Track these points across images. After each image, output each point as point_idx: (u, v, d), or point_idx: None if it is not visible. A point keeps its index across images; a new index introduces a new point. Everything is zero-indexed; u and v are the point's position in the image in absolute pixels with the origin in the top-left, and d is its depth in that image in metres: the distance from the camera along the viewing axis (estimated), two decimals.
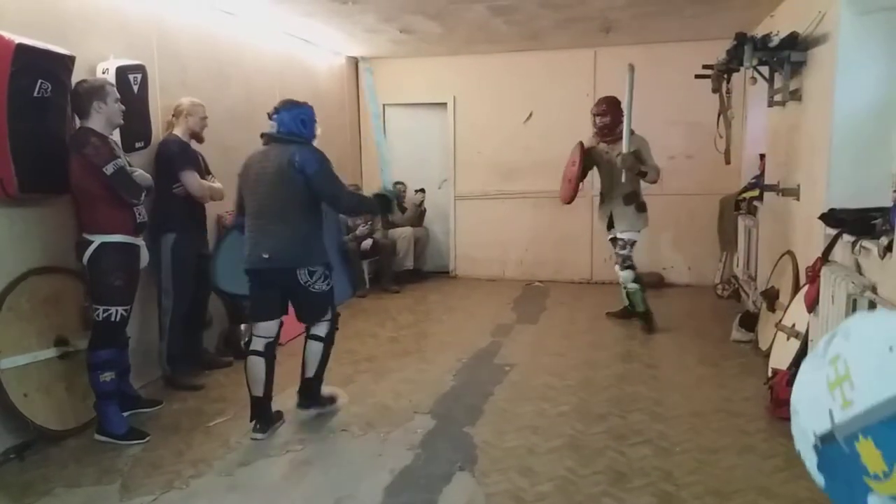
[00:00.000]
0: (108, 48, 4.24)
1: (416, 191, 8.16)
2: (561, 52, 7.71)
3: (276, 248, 3.60)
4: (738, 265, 6.72)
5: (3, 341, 3.37)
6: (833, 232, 3.83)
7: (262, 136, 3.74)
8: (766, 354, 4.63)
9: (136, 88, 4.28)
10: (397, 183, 7.93)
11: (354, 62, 8.29)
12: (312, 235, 3.70)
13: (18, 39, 3.41)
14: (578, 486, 3.10)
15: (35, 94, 3.51)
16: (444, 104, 8.28)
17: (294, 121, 3.68)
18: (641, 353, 5.15)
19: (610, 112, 5.69)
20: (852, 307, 3.49)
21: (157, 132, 4.60)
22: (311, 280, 3.68)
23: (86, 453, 3.54)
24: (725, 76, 5.40)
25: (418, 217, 8.25)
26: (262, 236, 3.62)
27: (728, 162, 5.55)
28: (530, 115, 7.96)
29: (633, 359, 4.99)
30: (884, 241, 3.14)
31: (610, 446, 3.51)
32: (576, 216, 7.82)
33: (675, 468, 3.24)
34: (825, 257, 3.86)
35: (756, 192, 6.16)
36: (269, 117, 3.72)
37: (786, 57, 4.72)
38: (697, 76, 5.57)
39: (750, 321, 5.33)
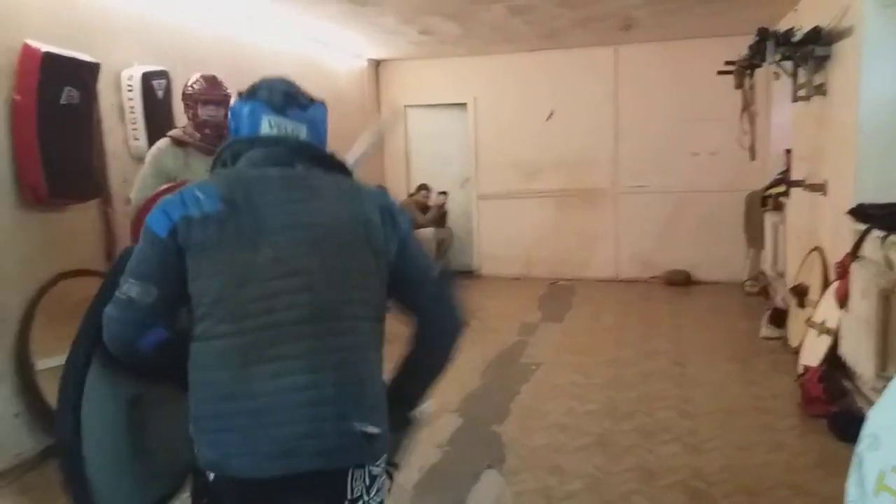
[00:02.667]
0: (132, 55, 4.29)
1: (439, 193, 8.17)
2: (581, 51, 7.68)
3: (356, 414, 1.48)
4: (765, 262, 6.64)
5: (37, 343, 3.43)
6: (862, 227, 3.77)
7: (259, 143, 1.63)
8: (796, 351, 4.57)
9: (160, 94, 4.33)
10: (421, 187, 7.96)
11: (375, 64, 8.33)
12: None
13: (45, 48, 3.47)
14: (608, 484, 3.08)
15: (62, 101, 3.57)
16: (465, 104, 8.29)
17: (324, 126, 1.77)
18: (668, 350, 5.11)
19: None
20: (885, 302, 3.44)
21: None
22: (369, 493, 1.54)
23: None
24: (748, 72, 5.34)
25: (441, 218, 8.26)
26: (325, 385, 1.46)
27: (753, 158, 5.50)
28: (551, 113, 7.94)
29: (660, 356, 4.95)
30: None
31: (638, 444, 3.49)
32: (600, 213, 7.79)
33: (705, 465, 3.21)
34: (854, 253, 3.81)
35: (782, 188, 6.09)
36: (277, 108, 1.67)
37: (810, 52, 4.66)
38: (720, 72, 5.52)
39: (779, 318, 5.27)
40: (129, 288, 1.47)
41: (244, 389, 1.41)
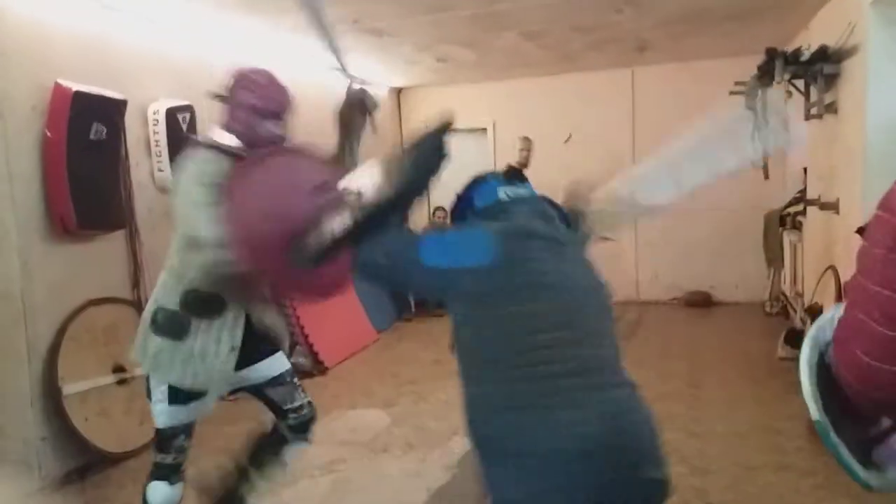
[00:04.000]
0: (158, 90, 4.51)
1: None
2: (597, 73, 7.77)
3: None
4: (785, 281, 6.62)
5: (65, 369, 3.61)
6: None
7: (519, 200, 1.83)
8: None
9: (184, 127, 4.54)
10: (437, 209, 8.08)
11: (396, 92, 8.52)
12: None
13: (76, 87, 3.70)
14: None
15: (91, 136, 3.79)
16: (485, 129, 8.43)
17: None
18: (684, 372, 5.13)
19: None
20: None
21: None
22: None
23: (143, 474, 3.72)
24: (760, 92, 5.38)
25: None
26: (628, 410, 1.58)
27: (766, 177, 5.52)
28: (570, 136, 8.03)
29: (676, 377, 4.97)
30: None
31: None
32: (619, 234, 7.83)
33: (710, 486, 3.24)
34: None
35: (800, 207, 6.09)
36: (505, 181, 1.92)
37: (819, 70, 4.70)
38: (732, 93, 5.57)
39: (796, 338, 5.25)
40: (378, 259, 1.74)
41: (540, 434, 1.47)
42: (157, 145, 4.41)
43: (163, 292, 2.34)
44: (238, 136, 2.37)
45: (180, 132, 4.48)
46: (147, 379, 2.37)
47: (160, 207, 4.47)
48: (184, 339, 2.28)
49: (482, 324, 1.57)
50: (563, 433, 1.46)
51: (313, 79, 6.57)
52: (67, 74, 3.76)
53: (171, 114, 4.46)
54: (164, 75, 4.63)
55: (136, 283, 4.20)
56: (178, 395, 2.33)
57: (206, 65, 5.08)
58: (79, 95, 3.71)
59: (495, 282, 1.58)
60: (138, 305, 4.06)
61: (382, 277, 1.90)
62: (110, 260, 4.07)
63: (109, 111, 3.93)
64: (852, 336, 1.57)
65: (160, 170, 4.43)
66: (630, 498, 1.48)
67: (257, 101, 2.37)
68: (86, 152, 3.77)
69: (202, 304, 2.29)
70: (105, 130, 3.87)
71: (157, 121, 4.41)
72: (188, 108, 4.60)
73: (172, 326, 2.28)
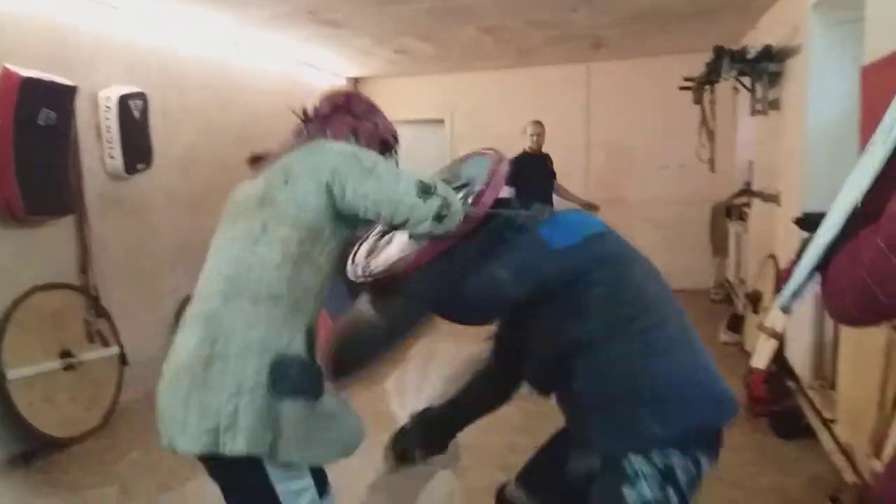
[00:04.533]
0: (110, 77, 4.48)
1: None
2: (554, 68, 7.90)
3: None
4: (729, 270, 6.84)
5: (10, 354, 3.58)
6: (807, 235, 3.95)
7: None
8: (750, 355, 4.74)
9: (136, 114, 4.52)
10: None
11: (354, 82, 8.54)
12: None
13: (25, 73, 3.66)
14: None
15: (40, 122, 3.75)
16: (442, 120, 8.50)
17: None
18: None
19: None
20: (820, 306, 3.63)
21: (157, 154, 4.80)
22: None
23: (89, 459, 3.73)
24: (707, 88, 5.56)
25: None
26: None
27: (713, 170, 5.70)
28: (525, 128, 8.13)
29: None
30: None
31: None
32: None
33: None
34: (797, 260, 3.98)
35: (745, 199, 6.29)
36: None
37: (764, 68, 4.88)
38: (681, 88, 5.73)
39: (737, 323, 5.45)
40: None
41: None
42: (108, 131, 4.39)
43: (271, 332, 1.56)
44: None
45: (133, 119, 4.46)
46: (262, 468, 1.56)
47: (110, 193, 4.46)
48: (321, 397, 1.63)
49: (616, 282, 1.69)
50: (697, 376, 1.66)
51: (268, 66, 6.56)
52: (16, 59, 3.72)
53: (124, 101, 4.43)
54: (117, 62, 4.60)
55: (84, 268, 4.17)
56: (322, 481, 1.74)
57: (162, 51, 5.06)
58: (27, 81, 3.67)
59: (617, 245, 1.78)
60: (86, 291, 4.05)
61: (499, 294, 1.70)
62: (58, 245, 4.04)
63: (59, 97, 3.90)
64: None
65: (111, 156, 4.40)
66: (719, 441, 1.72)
67: (387, 130, 1.98)
68: (34, 138, 3.73)
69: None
70: (55, 116, 3.84)
71: (109, 107, 4.39)
72: (141, 96, 4.58)
73: (310, 380, 1.61)
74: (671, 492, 1.58)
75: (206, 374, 1.53)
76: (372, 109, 1.95)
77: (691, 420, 1.62)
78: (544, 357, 1.79)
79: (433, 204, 1.62)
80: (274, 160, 1.73)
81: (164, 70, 5.06)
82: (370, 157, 1.69)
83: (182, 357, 1.57)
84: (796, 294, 1.26)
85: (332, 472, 3.39)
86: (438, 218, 1.63)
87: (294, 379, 1.56)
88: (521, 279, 1.67)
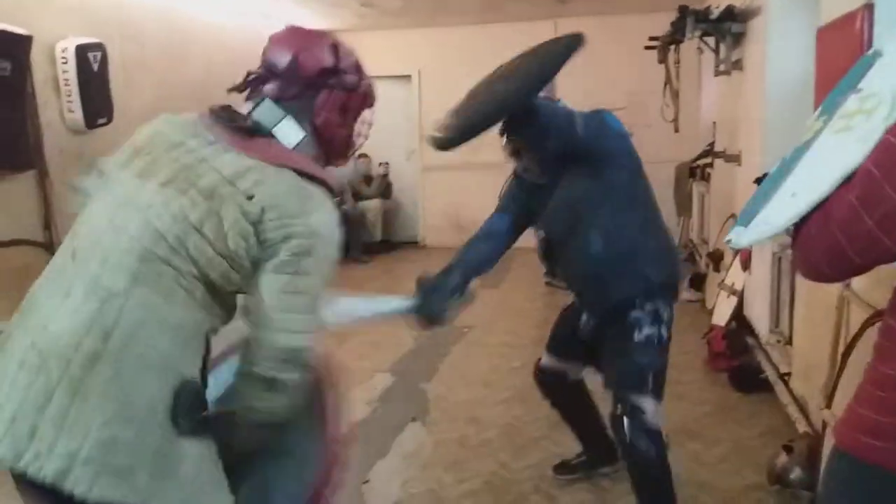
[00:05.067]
0: (67, 27, 4.33)
1: (379, 164, 8.36)
2: (522, 24, 7.83)
3: None
4: (693, 230, 6.98)
5: None
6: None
7: None
8: (711, 312, 4.89)
9: (95, 66, 4.39)
10: (361, 155, 8.09)
11: None
12: None
13: None
14: (521, 431, 3.35)
15: None
16: (409, 76, 8.42)
17: None
18: None
19: None
20: (777, 264, 3.76)
21: (118, 108, 4.69)
22: None
23: None
24: (672, 47, 5.59)
25: (385, 189, 8.42)
26: None
27: (676, 130, 5.78)
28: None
29: None
30: None
31: None
32: None
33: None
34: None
35: (709, 159, 6.39)
36: None
37: (727, 28, 4.92)
38: (647, 47, 5.76)
39: (699, 282, 5.59)
40: None
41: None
42: (66, 84, 4.26)
43: (177, 345, 1.23)
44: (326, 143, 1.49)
45: (91, 71, 4.34)
46: None
47: (72, 148, 4.35)
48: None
49: (645, 186, 2.55)
50: (672, 244, 2.77)
51: (229, 18, 6.40)
52: None
53: (82, 52, 4.29)
54: (73, 11, 4.45)
55: (47, 224, 4.09)
56: None
57: (117, 3, 4.89)
58: None
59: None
60: (50, 247, 3.98)
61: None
62: (19, 201, 3.95)
63: (12, 47, 3.76)
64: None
65: (70, 110, 4.29)
66: None
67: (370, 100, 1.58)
68: None
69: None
70: (9, 67, 3.71)
71: (66, 59, 4.25)
72: (99, 47, 4.44)
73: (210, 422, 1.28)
74: (660, 327, 2.36)
75: (85, 376, 1.12)
76: (360, 69, 1.53)
77: (673, 275, 2.50)
78: (569, 222, 2.43)
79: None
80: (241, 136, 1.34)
81: (122, 22, 4.91)
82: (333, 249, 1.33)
83: (56, 335, 1.16)
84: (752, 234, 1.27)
85: None
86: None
87: (198, 411, 1.22)
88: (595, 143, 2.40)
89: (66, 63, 4.24)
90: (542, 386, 2.90)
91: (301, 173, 1.32)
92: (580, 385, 2.86)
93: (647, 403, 2.33)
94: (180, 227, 1.22)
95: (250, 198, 1.24)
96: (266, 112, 1.39)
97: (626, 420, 2.33)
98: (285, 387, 1.27)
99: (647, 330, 2.33)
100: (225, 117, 1.37)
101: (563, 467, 2.96)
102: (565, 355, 2.78)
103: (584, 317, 2.62)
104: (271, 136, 1.37)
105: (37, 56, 3.99)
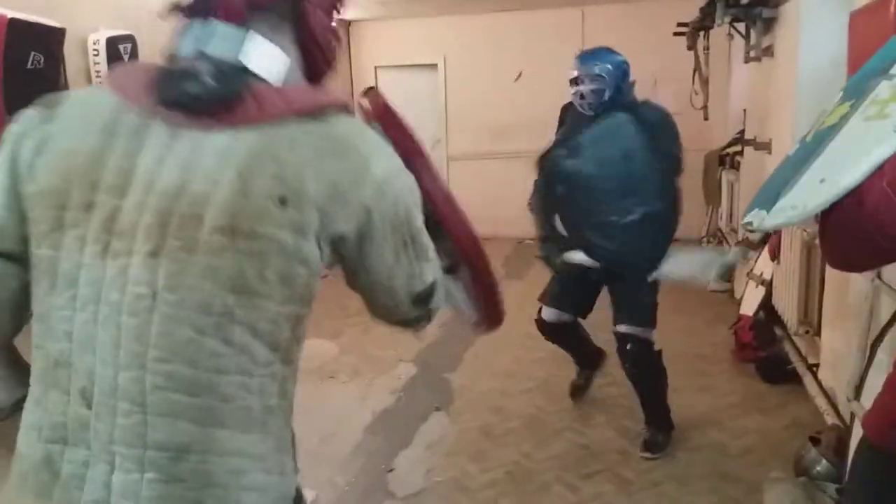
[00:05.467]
0: (98, 20, 4.40)
1: None
2: (549, 11, 7.78)
3: None
4: (721, 218, 6.89)
5: None
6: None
7: None
8: (739, 302, 4.83)
9: (126, 58, 4.45)
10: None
11: (346, 25, 8.39)
12: None
13: (11, 14, 3.59)
14: (544, 421, 3.36)
15: (29, 66, 3.70)
16: (435, 65, 8.40)
17: None
18: None
19: None
20: (807, 254, 3.70)
21: None
22: None
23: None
24: (702, 33, 5.51)
25: None
26: None
27: (706, 118, 5.69)
28: (520, 74, 8.07)
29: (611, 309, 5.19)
30: None
31: None
32: None
33: (637, 405, 3.46)
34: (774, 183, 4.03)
35: (738, 147, 6.29)
36: None
37: (758, 14, 4.83)
38: (676, 34, 5.68)
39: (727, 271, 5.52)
40: None
41: None
42: (98, 75, 4.33)
43: None
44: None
45: (122, 62, 4.40)
46: None
47: None
48: None
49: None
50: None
51: None
52: (2, 1, 3.65)
53: (112, 43, 4.36)
54: (104, 4, 4.51)
55: None
56: None
57: None
58: (14, 23, 3.59)
59: None
60: None
61: None
62: None
63: (47, 40, 3.82)
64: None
65: None
66: None
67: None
68: (23, 82, 3.67)
69: None
70: (43, 59, 3.78)
71: (98, 51, 4.32)
72: (129, 38, 4.50)
73: None
74: (655, 293, 3.18)
75: None
76: None
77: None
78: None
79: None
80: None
81: (151, 13, 4.95)
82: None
83: None
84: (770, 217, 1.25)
85: (330, 414, 3.49)
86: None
87: None
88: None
89: (97, 55, 4.31)
90: (543, 332, 3.49)
91: (307, 114, 0.92)
92: (574, 323, 3.45)
93: (653, 335, 3.19)
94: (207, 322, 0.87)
95: (283, 202, 0.85)
96: (225, 41, 0.94)
97: (638, 352, 3.10)
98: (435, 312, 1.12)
99: (653, 294, 3.21)
100: (175, 88, 0.90)
101: (576, 391, 3.58)
102: (562, 308, 3.38)
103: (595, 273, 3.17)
104: (245, 79, 0.91)
105: (69, 48, 4.05)
